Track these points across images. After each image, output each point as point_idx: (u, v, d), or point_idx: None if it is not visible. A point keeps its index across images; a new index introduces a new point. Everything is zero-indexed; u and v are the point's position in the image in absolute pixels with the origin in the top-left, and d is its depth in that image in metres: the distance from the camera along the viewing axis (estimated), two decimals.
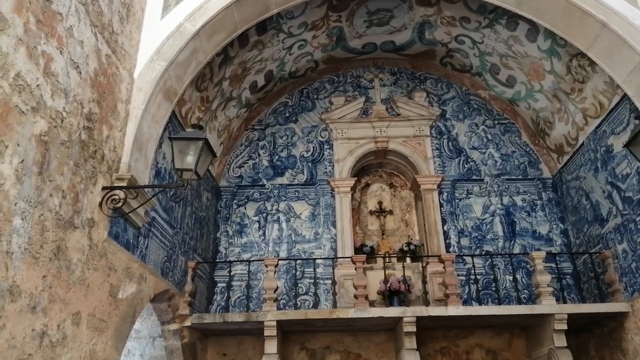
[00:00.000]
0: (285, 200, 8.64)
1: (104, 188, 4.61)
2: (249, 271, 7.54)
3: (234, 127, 8.93)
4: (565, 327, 6.59)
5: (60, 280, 3.84)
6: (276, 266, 7.00)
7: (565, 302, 7.42)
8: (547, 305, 6.73)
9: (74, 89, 4.17)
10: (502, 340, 7.48)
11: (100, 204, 4.54)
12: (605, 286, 7.14)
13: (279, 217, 8.50)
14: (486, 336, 7.48)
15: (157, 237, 5.97)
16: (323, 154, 9.01)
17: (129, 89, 5.32)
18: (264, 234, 8.39)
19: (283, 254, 8.17)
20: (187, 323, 6.61)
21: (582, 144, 7.71)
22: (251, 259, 7.89)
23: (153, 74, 5.49)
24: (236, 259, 8.05)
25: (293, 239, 8.33)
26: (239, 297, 7.86)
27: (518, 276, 7.80)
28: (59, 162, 3.89)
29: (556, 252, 7.96)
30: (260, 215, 8.53)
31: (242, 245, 8.33)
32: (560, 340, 6.62)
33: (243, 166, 8.94)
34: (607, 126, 7.04)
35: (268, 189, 8.73)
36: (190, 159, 4.75)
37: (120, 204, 4.64)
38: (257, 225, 8.46)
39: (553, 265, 7.55)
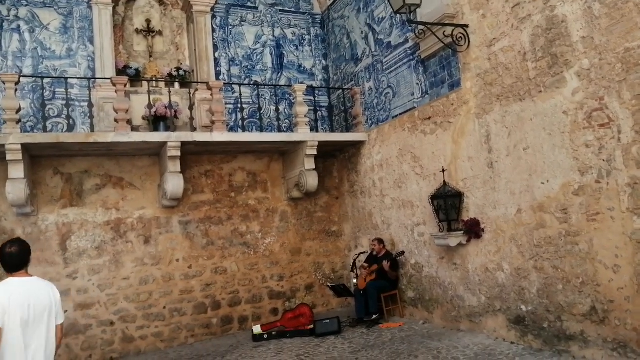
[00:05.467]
0: (26, 5, 7.13)
1: None
2: None
3: None
4: (315, 152, 7.51)
5: None
6: (17, 83, 6.01)
7: (318, 132, 8.33)
8: (302, 133, 7.48)
9: None
10: (262, 164, 8.17)
11: None
12: (352, 119, 8.20)
13: (19, 26, 7.06)
14: (248, 160, 8.06)
15: None
16: None
17: None
18: None
19: (27, 71, 7.00)
20: None
21: None
22: None
23: None
24: None
25: (40, 54, 7.13)
26: None
27: (281, 107, 8.33)
28: None
29: (316, 86, 8.64)
30: None
31: None
32: (310, 164, 7.58)
33: None
34: None
35: None
36: None
37: None
38: None
39: (312, 98, 8.23)
